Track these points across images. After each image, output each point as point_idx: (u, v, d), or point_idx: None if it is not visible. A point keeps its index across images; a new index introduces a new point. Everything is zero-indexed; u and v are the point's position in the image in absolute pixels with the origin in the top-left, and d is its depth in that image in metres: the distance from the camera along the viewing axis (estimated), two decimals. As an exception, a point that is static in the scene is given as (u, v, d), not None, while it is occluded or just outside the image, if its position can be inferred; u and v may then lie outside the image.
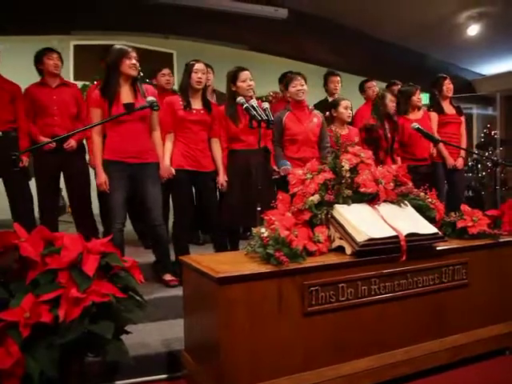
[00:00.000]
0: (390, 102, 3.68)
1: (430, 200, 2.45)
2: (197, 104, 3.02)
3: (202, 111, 3.01)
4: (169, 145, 2.99)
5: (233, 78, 3.11)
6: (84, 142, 3.56)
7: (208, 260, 2.02)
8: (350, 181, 2.23)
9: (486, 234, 2.48)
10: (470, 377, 2.25)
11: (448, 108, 4.11)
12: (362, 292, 2.05)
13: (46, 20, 4.97)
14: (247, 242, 2.13)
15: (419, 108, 3.98)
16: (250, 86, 3.09)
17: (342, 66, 5.25)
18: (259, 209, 2.44)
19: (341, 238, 2.11)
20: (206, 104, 3.05)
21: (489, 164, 6.90)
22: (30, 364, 1.50)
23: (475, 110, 8.10)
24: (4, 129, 3.32)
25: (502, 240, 2.49)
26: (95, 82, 4.05)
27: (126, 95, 2.76)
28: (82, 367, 1.74)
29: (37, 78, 3.48)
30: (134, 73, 2.76)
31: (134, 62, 2.74)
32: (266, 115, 2.73)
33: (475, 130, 8.00)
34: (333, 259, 2.03)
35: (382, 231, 2.08)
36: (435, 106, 4.11)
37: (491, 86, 7.49)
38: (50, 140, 3.02)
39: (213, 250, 3.18)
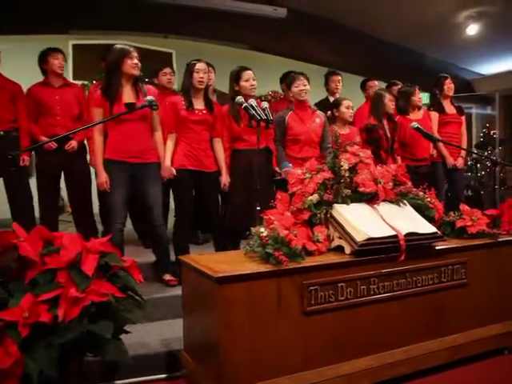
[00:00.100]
0: (389, 102, 3.68)
1: (429, 199, 2.45)
2: (199, 104, 3.02)
3: (204, 111, 3.01)
4: (170, 145, 2.99)
5: (236, 77, 3.12)
6: (85, 142, 3.56)
7: (207, 259, 2.02)
8: (349, 180, 2.23)
9: (485, 234, 2.48)
10: (469, 376, 2.25)
11: (449, 107, 4.12)
12: (362, 291, 2.05)
13: (45, 20, 4.97)
14: (246, 242, 2.13)
15: (419, 108, 3.99)
16: (252, 85, 3.10)
17: (342, 66, 5.26)
18: (258, 208, 2.44)
19: (340, 238, 2.11)
20: (208, 104, 3.05)
21: (488, 163, 6.91)
22: (29, 364, 1.50)
23: (474, 110, 8.10)
24: (5, 128, 3.32)
25: (501, 239, 2.49)
26: (94, 82, 4.05)
27: (127, 95, 2.75)
28: (81, 367, 1.74)
29: (35, 78, 3.47)
30: (136, 72, 2.76)
31: (135, 61, 2.74)
32: (265, 115, 2.73)
33: (474, 129, 8.00)
34: (332, 259, 2.03)
35: (381, 231, 2.09)
36: (436, 105, 4.12)
37: (490, 85, 7.49)
38: (49, 140, 3.02)
39: (212, 249, 3.18)
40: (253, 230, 2.06)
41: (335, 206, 2.16)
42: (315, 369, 1.94)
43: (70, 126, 3.32)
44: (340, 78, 4.33)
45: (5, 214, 3.46)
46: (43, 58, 3.39)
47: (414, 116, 3.90)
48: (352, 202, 2.20)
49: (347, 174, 2.23)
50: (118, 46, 2.78)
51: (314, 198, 2.14)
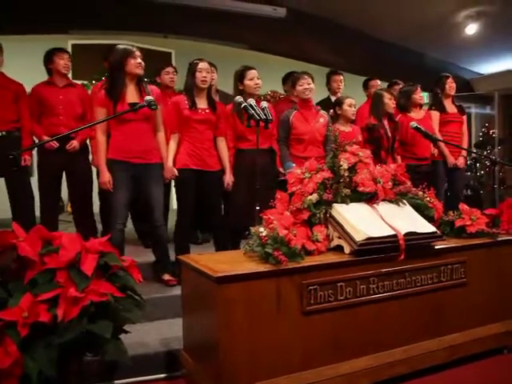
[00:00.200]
0: (389, 101, 3.68)
1: (428, 199, 2.45)
2: (202, 103, 3.02)
3: (207, 110, 3.01)
4: (173, 145, 2.99)
5: (240, 76, 3.13)
6: (87, 142, 3.56)
7: (206, 259, 2.03)
8: (348, 180, 2.23)
9: (485, 233, 2.48)
10: (468, 376, 2.25)
11: (450, 107, 4.13)
12: (361, 291, 2.05)
13: (45, 19, 4.97)
14: (246, 242, 2.13)
15: (421, 106, 3.99)
16: (257, 84, 3.11)
17: (342, 66, 5.25)
18: (258, 208, 2.44)
19: (339, 237, 2.11)
20: (211, 103, 3.05)
21: (487, 163, 6.91)
22: (29, 364, 1.50)
23: (473, 109, 8.11)
24: (7, 128, 3.32)
25: (500, 239, 2.50)
26: (94, 82, 4.05)
27: (131, 95, 2.76)
28: (80, 367, 1.74)
29: (34, 77, 3.47)
30: (139, 72, 2.76)
31: (139, 60, 2.74)
32: (265, 114, 2.73)
33: (473, 129, 8.01)
34: (331, 258, 2.03)
35: (381, 230, 2.09)
36: (437, 104, 4.13)
37: (489, 85, 7.49)
38: (50, 139, 3.03)
39: (212, 249, 3.18)
40: (252, 229, 2.06)
41: (334, 205, 2.16)
42: (314, 368, 1.95)
43: (72, 125, 3.32)
44: (342, 77, 4.34)
45: (5, 213, 3.46)
46: (49, 58, 3.40)
47: (415, 115, 3.91)
48: (351, 201, 2.20)
49: (346, 174, 2.23)
50: (121, 46, 2.78)
51: (314, 197, 2.14)
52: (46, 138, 3.27)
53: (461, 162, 4.03)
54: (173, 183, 3.36)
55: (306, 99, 3.31)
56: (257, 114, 2.67)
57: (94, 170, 3.59)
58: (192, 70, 2.98)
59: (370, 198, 2.26)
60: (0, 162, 2.91)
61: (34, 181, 3.49)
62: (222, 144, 3.12)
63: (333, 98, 4.23)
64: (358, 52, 6.48)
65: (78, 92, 3.49)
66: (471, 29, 6.13)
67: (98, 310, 1.61)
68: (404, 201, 2.36)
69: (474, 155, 6.80)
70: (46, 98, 3.35)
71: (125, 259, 1.84)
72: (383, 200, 2.28)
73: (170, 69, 3.85)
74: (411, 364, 2.16)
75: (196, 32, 5.70)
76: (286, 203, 2.20)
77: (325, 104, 3.99)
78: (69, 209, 5.03)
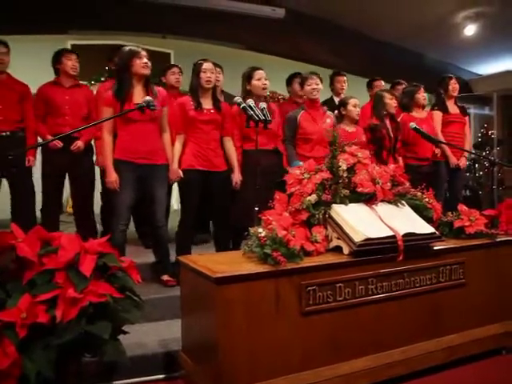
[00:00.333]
0: (390, 101, 3.69)
1: (427, 200, 2.45)
2: (207, 104, 3.02)
3: (212, 110, 3.02)
4: (178, 147, 2.99)
5: (248, 76, 3.15)
6: (92, 142, 3.56)
7: (205, 260, 2.02)
8: (347, 181, 2.24)
9: (483, 234, 2.48)
10: (467, 377, 2.25)
11: (452, 107, 4.16)
12: (360, 292, 2.05)
13: (45, 20, 4.97)
14: (245, 242, 2.13)
15: (423, 107, 4.01)
16: (264, 84, 3.13)
17: (341, 67, 5.25)
18: (257, 209, 2.44)
19: (338, 238, 2.11)
20: (216, 103, 3.05)
21: (486, 164, 6.92)
22: (27, 365, 1.50)
23: (472, 110, 8.12)
24: (11, 129, 3.33)
25: (499, 240, 2.50)
26: (93, 82, 4.05)
27: (138, 95, 2.76)
28: (79, 367, 1.74)
29: (34, 78, 3.48)
30: (146, 72, 2.77)
31: (145, 60, 2.75)
32: (264, 115, 2.73)
33: (472, 129, 7.99)
34: (330, 259, 2.03)
35: (380, 231, 2.09)
36: (440, 105, 4.16)
37: (488, 85, 7.51)
38: (53, 138, 3.03)
39: (209, 249, 3.18)
40: (251, 230, 2.06)
41: (333, 206, 2.16)
42: (313, 369, 1.94)
43: (78, 126, 3.30)
44: (345, 78, 4.36)
45: (5, 214, 3.46)
46: (57, 58, 3.42)
47: (417, 114, 3.93)
48: (350, 202, 2.20)
49: (345, 175, 2.23)
50: (127, 48, 2.80)
51: (313, 198, 2.14)
52: (50, 137, 3.27)
53: (463, 162, 4.06)
54: (175, 184, 3.35)
55: (313, 99, 3.33)
56: (256, 114, 2.67)
57: (96, 170, 3.60)
58: (196, 70, 2.99)
59: (369, 199, 2.26)
60: (3, 161, 2.91)
61: (34, 180, 3.49)
62: (229, 144, 3.12)
63: (336, 99, 4.25)
64: (357, 52, 6.49)
65: (84, 93, 3.51)
66: (470, 30, 6.15)
67: (97, 311, 1.60)
68: (403, 201, 2.36)
69: (472, 156, 6.82)
70: (52, 98, 3.36)
71: (124, 260, 1.84)
72: (382, 201, 2.28)
73: (175, 69, 3.86)
74: (410, 365, 2.16)
75: (195, 32, 5.70)
76: (285, 204, 2.20)
77: (328, 105, 4.00)
78: (68, 209, 5.04)
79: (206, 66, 2.98)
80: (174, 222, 3.18)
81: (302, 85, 3.45)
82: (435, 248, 2.28)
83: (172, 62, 5.85)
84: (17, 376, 1.49)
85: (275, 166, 3.13)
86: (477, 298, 2.40)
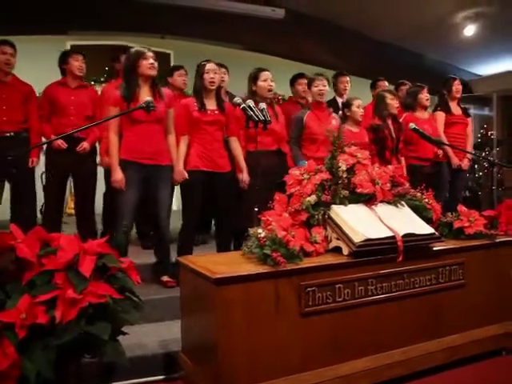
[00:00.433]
0: (391, 101, 3.69)
1: (426, 200, 2.45)
2: (211, 105, 3.03)
3: (216, 111, 3.02)
4: (183, 147, 3.00)
5: (254, 77, 3.16)
6: (96, 143, 3.57)
7: (205, 261, 2.02)
8: (346, 181, 2.24)
9: (483, 235, 2.48)
10: (467, 377, 2.25)
11: (455, 109, 4.19)
12: (359, 292, 2.05)
13: (44, 20, 4.97)
14: (245, 243, 2.13)
15: (426, 108, 4.02)
16: (270, 85, 3.15)
17: (341, 67, 5.25)
18: (256, 209, 2.44)
19: (338, 239, 2.11)
20: (220, 104, 3.06)
21: (486, 164, 6.92)
22: (27, 365, 1.50)
23: (472, 111, 8.09)
24: (15, 129, 3.32)
25: (498, 240, 2.50)
26: (92, 83, 4.05)
27: (144, 96, 2.75)
28: (78, 368, 1.73)
29: (34, 78, 3.47)
30: (152, 72, 2.78)
31: (151, 61, 2.76)
32: (264, 115, 2.73)
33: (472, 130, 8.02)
34: (330, 260, 2.03)
35: (379, 232, 2.09)
36: (443, 105, 4.18)
37: (488, 86, 7.51)
38: (56, 137, 3.03)
39: (210, 250, 3.17)
40: (251, 231, 2.06)
41: (333, 207, 2.16)
42: (313, 370, 1.94)
43: (82, 126, 3.33)
44: (348, 78, 4.36)
45: (5, 214, 3.45)
46: (64, 59, 3.43)
47: (420, 115, 3.94)
48: (350, 203, 2.20)
49: (345, 175, 2.23)
50: (133, 49, 2.81)
51: (312, 199, 2.14)
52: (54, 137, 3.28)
53: (465, 163, 4.07)
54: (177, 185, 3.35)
55: (319, 101, 3.36)
56: (255, 115, 2.67)
57: (99, 171, 3.60)
58: (200, 71, 3.00)
59: (369, 200, 2.26)
60: (4, 162, 2.90)
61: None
62: (235, 144, 3.12)
63: (339, 99, 4.26)
64: (357, 53, 6.49)
65: (89, 94, 3.52)
66: (469, 30, 6.15)
67: (96, 312, 1.60)
68: (402, 202, 2.36)
69: (472, 156, 6.81)
70: (58, 98, 3.37)
71: (123, 260, 1.84)
72: (381, 201, 2.28)
73: (182, 71, 3.87)
74: (410, 365, 2.16)
75: (195, 33, 5.71)
76: (285, 204, 2.20)
77: (330, 105, 4.01)
78: (67, 210, 5.04)
79: (209, 66, 2.98)
80: (174, 222, 3.17)
81: (309, 85, 3.48)
82: (435, 249, 2.28)
83: (172, 63, 5.86)
84: (16, 377, 1.49)
85: (276, 167, 3.12)
86: (476, 299, 2.40)
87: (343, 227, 2.08)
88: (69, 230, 3.54)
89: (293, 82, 4.21)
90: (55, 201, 3.45)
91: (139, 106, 2.67)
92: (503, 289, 2.49)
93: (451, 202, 3.75)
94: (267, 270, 1.86)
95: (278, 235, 1.95)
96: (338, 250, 2.11)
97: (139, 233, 3.84)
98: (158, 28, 5.62)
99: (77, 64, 3.40)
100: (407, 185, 2.45)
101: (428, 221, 2.36)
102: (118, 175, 2.74)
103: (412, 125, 3.29)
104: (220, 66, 3.15)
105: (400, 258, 2.12)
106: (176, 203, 4.85)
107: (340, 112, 3.72)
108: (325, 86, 3.33)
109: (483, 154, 6.99)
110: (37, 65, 4.09)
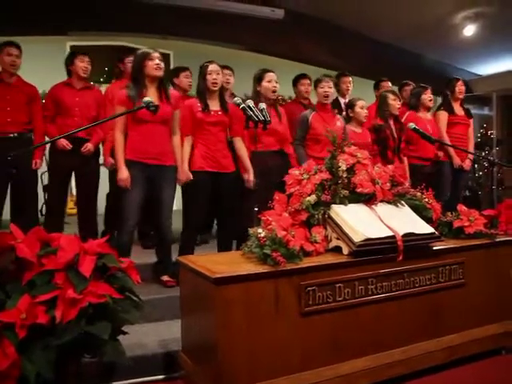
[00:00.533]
0: (393, 102, 3.70)
1: (426, 200, 2.46)
2: (214, 105, 3.03)
3: (219, 112, 3.03)
4: (187, 148, 3.00)
5: (258, 78, 3.17)
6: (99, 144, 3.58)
7: (205, 260, 2.02)
8: (346, 181, 2.24)
9: (483, 234, 2.48)
10: (466, 377, 2.25)
11: (458, 109, 4.22)
12: (359, 292, 2.05)
13: (44, 21, 4.97)
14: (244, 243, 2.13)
15: (429, 109, 4.03)
16: (274, 86, 3.15)
17: (340, 67, 5.27)
18: (256, 209, 2.44)
19: (338, 238, 2.11)
20: (224, 105, 3.07)
21: (485, 164, 6.92)
22: (27, 365, 1.50)
23: (472, 110, 8.12)
24: (19, 130, 3.32)
25: (498, 240, 2.50)
26: (92, 83, 4.05)
27: (151, 97, 2.75)
28: (78, 368, 1.74)
29: (33, 78, 3.47)
30: (158, 73, 2.79)
31: (157, 62, 2.77)
32: (263, 116, 2.73)
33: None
34: (330, 259, 2.03)
35: (379, 231, 2.09)
36: (446, 105, 4.21)
37: (487, 86, 7.51)
38: (56, 137, 3.03)
39: (211, 250, 3.18)
40: (250, 230, 2.06)
41: (333, 206, 2.16)
42: (313, 369, 1.94)
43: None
44: (351, 79, 4.37)
45: (5, 214, 3.46)
46: (70, 60, 3.44)
47: (423, 115, 3.96)
48: (350, 202, 2.21)
49: (345, 175, 2.23)
50: (140, 50, 2.84)
51: (312, 198, 2.14)
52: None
53: (467, 164, 4.09)
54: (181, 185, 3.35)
55: (324, 103, 3.38)
56: (255, 115, 2.67)
57: (102, 171, 3.60)
58: (203, 72, 3.01)
59: (369, 199, 2.26)
60: (4, 162, 2.90)
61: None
62: (240, 144, 3.12)
63: (341, 100, 4.27)
64: (356, 53, 6.50)
65: (94, 95, 3.52)
66: (469, 30, 6.16)
67: (97, 312, 1.60)
68: (402, 202, 2.36)
69: (472, 156, 6.81)
70: (63, 99, 3.38)
71: (123, 260, 1.84)
72: (381, 201, 2.29)
73: (188, 72, 3.87)
74: (410, 364, 2.16)
75: (194, 33, 5.71)
76: (285, 204, 2.21)
77: (333, 106, 4.01)
78: (68, 211, 5.04)
79: (212, 68, 2.99)
80: (175, 223, 3.17)
81: (315, 85, 3.51)
82: (435, 248, 2.28)
83: (171, 63, 5.86)
84: (16, 377, 1.49)
85: (278, 168, 3.12)
86: (476, 298, 2.40)
87: (343, 227, 2.08)
88: (69, 230, 3.54)
89: (295, 82, 4.21)
90: (57, 201, 3.45)
91: (139, 106, 2.67)
92: (503, 288, 2.49)
93: (452, 202, 3.76)
94: (267, 269, 1.86)
95: (277, 235, 1.95)
96: (338, 249, 2.11)
97: (139, 232, 3.84)
98: (158, 28, 5.62)
99: (82, 65, 3.40)
100: (407, 184, 2.45)
101: (428, 220, 2.36)
102: (124, 174, 2.74)
103: (412, 124, 3.29)
104: (225, 67, 3.15)
105: (400, 258, 2.12)
106: (176, 203, 4.86)
107: (343, 113, 3.73)
108: (330, 87, 3.36)
109: (483, 153, 6.99)
110: (37, 65, 4.07)
